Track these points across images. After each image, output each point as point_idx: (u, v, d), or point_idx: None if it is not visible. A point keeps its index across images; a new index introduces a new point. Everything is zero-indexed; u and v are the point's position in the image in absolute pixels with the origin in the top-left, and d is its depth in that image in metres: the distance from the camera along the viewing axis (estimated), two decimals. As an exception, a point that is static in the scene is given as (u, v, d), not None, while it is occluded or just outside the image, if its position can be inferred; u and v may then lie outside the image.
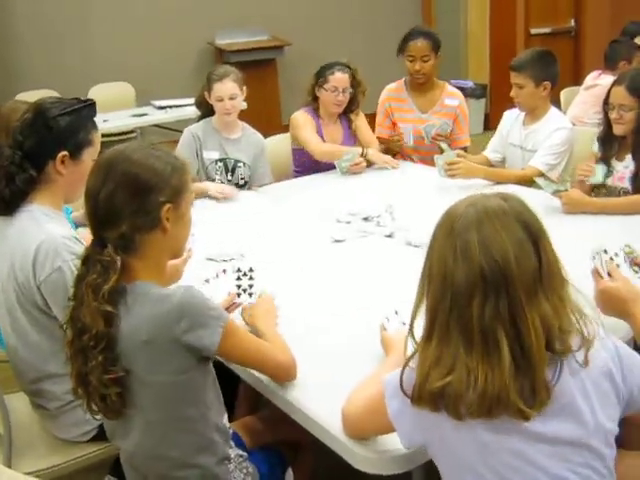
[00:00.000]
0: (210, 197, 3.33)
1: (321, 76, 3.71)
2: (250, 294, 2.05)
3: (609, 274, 1.79)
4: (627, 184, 2.93)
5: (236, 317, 1.95)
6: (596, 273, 1.80)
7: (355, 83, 3.74)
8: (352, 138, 3.88)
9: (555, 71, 3.35)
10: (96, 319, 1.49)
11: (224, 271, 2.10)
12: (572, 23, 7.68)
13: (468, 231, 1.26)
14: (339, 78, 3.68)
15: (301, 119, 3.79)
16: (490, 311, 1.23)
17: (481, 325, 1.24)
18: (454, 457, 1.31)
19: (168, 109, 6.08)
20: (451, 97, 3.98)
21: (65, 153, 2.01)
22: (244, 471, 1.74)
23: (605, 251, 1.87)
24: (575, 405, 1.28)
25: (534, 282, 1.25)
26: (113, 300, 1.51)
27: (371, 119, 4.06)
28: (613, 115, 2.90)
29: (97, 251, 1.53)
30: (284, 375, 1.73)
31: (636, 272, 1.91)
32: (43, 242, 1.91)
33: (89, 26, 6.68)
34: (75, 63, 6.59)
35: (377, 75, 5.13)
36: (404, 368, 1.32)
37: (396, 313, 1.85)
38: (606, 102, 2.96)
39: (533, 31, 7.52)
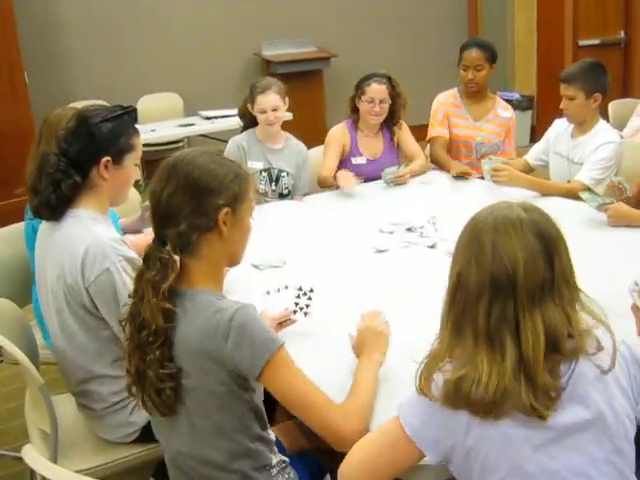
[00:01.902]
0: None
1: (359, 88, 3.74)
2: (305, 313, 2.10)
3: None
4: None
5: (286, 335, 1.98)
6: (635, 308, 1.77)
7: (395, 94, 3.75)
8: (393, 150, 3.90)
9: (606, 82, 3.31)
10: (156, 315, 1.53)
11: (286, 287, 2.13)
12: (621, 34, 7.56)
13: (484, 237, 1.35)
14: (375, 89, 3.69)
15: (331, 136, 3.83)
16: (497, 313, 1.32)
17: (488, 326, 1.32)
18: (478, 456, 1.33)
19: (214, 119, 6.17)
20: (504, 109, 4.04)
21: (108, 158, 2.06)
22: (286, 476, 1.75)
23: (637, 283, 1.83)
24: (591, 394, 1.33)
25: (542, 289, 1.32)
26: (172, 300, 1.56)
27: (416, 131, 4.06)
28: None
29: (157, 249, 1.58)
30: (337, 443, 1.55)
31: None
32: (91, 245, 1.96)
33: (138, 38, 6.82)
34: (126, 75, 6.73)
35: (422, 86, 5.14)
36: (427, 370, 1.37)
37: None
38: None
39: (581, 43, 7.42)
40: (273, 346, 1.53)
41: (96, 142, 2.05)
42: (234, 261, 1.73)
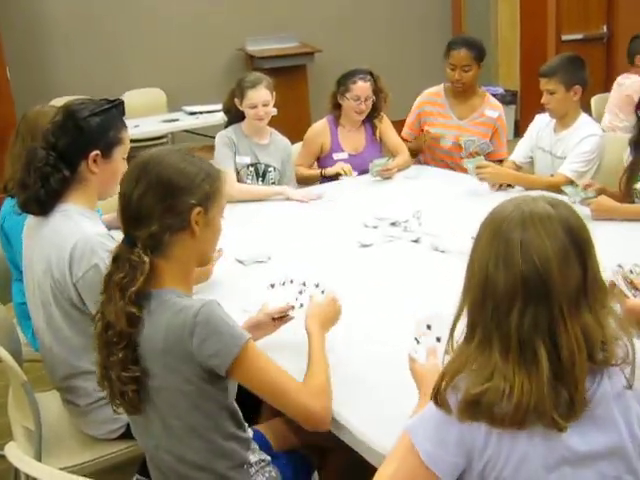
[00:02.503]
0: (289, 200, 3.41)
1: (343, 84, 3.73)
2: (302, 304, 2.00)
3: (635, 288, 1.78)
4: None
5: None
6: (620, 293, 1.77)
7: (377, 90, 3.75)
8: (376, 144, 3.91)
9: (585, 75, 3.33)
10: (120, 318, 1.52)
11: (291, 281, 2.07)
12: (604, 29, 7.61)
13: (511, 234, 1.22)
14: (361, 87, 3.69)
15: (309, 134, 3.87)
16: (529, 321, 1.20)
17: (519, 335, 1.20)
18: (493, 471, 1.25)
19: (199, 115, 6.15)
20: (492, 109, 3.96)
21: (97, 152, 2.06)
22: (266, 475, 1.74)
23: (620, 265, 1.85)
24: (611, 416, 1.25)
25: (577, 292, 1.21)
26: (138, 303, 1.53)
27: (398, 126, 4.06)
28: (643, 120, 2.89)
29: (127, 250, 1.56)
30: (310, 423, 1.61)
31: None
32: (79, 240, 1.96)
33: (121, 34, 6.78)
34: (108, 70, 6.69)
35: (406, 81, 5.15)
36: (442, 383, 1.26)
37: (429, 328, 1.64)
38: (638, 107, 2.94)
39: (564, 37, 7.47)
40: (240, 341, 1.52)
41: (85, 136, 2.05)
42: (203, 261, 1.73)
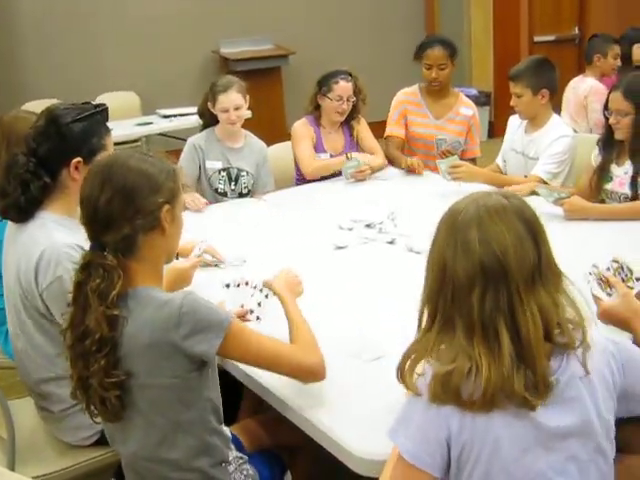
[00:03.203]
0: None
1: (324, 85, 3.73)
2: (258, 317, 2.05)
3: (610, 286, 1.80)
4: (627, 190, 2.94)
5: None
6: (593, 296, 1.81)
7: (356, 91, 3.76)
8: (354, 146, 3.90)
9: (553, 78, 3.36)
10: (101, 323, 1.51)
11: (247, 283, 2.09)
12: (576, 31, 7.70)
13: (469, 227, 1.31)
14: (344, 87, 3.70)
15: (299, 131, 3.82)
16: (490, 303, 1.28)
17: (482, 316, 1.28)
18: (470, 457, 1.29)
19: (173, 118, 6.12)
20: (466, 107, 4.01)
21: (79, 159, 2.02)
22: (244, 473, 1.76)
23: (594, 265, 1.87)
24: (580, 397, 1.32)
25: (532, 275, 1.30)
26: (118, 304, 1.54)
27: (375, 127, 4.07)
28: (611, 120, 2.91)
29: (97, 255, 1.56)
30: (309, 377, 1.70)
31: (631, 288, 1.90)
32: (45, 250, 1.93)
33: (94, 36, 6.73)
34: (81, 73, 6.64)
35: (381, 82, 5.16)
36: (405, 363, 1.35)
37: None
38: (606, 107, 2.97)
39: (537, 39, 7.54)
40: (224, 324, 1.57)
41: (67, 143, 2.01)
42: (171, 257, 1.76)
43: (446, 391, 1.27)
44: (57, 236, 1.97)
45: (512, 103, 3.36)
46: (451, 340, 1.31)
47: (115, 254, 1.56)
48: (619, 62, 4.94)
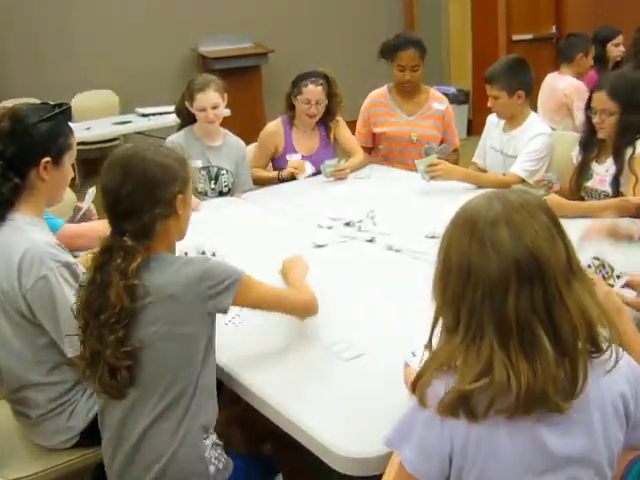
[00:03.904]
0: None
1: (295, 86, 3.71)
2: (236, 324, 2.10)
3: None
4: (608, 187, 2.96)
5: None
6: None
7: (331, 94, 3.73)
8: (329, 146, 3.89)
9: (528, 78, 3.38)
10: (122, 296, 1.64)
11: (185, 254, 2.15)
12: (553, 30, 7.75)
13: (496, 225, 1.24)
14: (312, 91, 3.66)
15: (262, 137, 3.85)
16: (526, 302, 1.21)
17: (518, 317, 1.20)
18: (472, 470, 1.25)
19: (151, 117, 6.09)
20: (438, 102, 4.02)
21: (48, 159, 2.01)
22: (217, 453, 1.78)
23: (597, 258, 1.88)
24: (591, 422, 1.26)
25: (566, 268, 1.24)
26: (138, 273, 1.66)
27: (353, 126, 4.07)
28: (595, 119, 2.92)
29: (118, 240, 1.69)
30: (308, 311, 2.00)
31: (612, 285, 1.91)
32: (27, 251, 1.91)
33: (71, 34, 6.67)
34: (58, 72, 6.57)
35: (361, 80, 5.15)
36: (423, 376, 1.27)
37: (413, 355, 1.66)
38: (588, 107, 2.99)
39: (515, 37, 7.59)
40: (239, 278, 1.75)
41: (36, 143, 1.99)
42: (183, 235, 1.88)
43: (464, 406, 1.21)
44: (36, 236, 1.95)
45: (489, 104, 3.39)
46: (479, 348, 1.22)
47: (134, 238, 1.69)
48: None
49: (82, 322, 1.71)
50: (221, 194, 3.57)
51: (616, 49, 5.20)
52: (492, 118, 3.58)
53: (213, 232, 2.96)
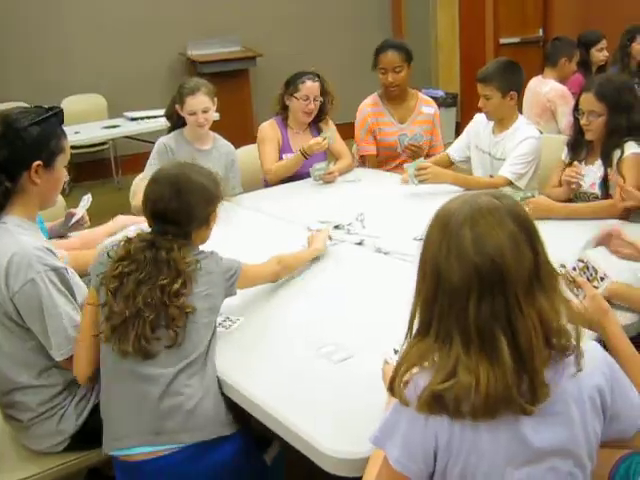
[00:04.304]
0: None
1: (292, 85, 3.74)
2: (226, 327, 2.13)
3: (577, 286, 1.80)
4: (597, 190, 2.97)
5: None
6: (579, 283, 1.81)
7: (324, 92, 3.78)
8: (322, 147, 3.90)
9: (520, 80, 3.41)
10: (179, 261, 1.89)
11: None
12: (540, 33, 7.80)
13: (461, 228, 1.24)
14: (310, 86, 3.71)
15: (263, 133, 3.83)
16: (486, 309, 1.21)
17: (478, 324, 1.22)
18: (455, 466, 1.27)
19: (140, 120, 6.08)
20: (427, 105, 4.07)
21: (39, 163, 2.01)
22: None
23: (562, 265, 1.88)
24: (569, 414, 1.28)
25: (530, 278, 1.24)
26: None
27: (344, 128, 4.09)
28: (583, 121, 2.94)
29: (160, 236, 1.93)
30: (274, 278, 2.36)
31: (596, 287, 1.92)
32: (15, 254, 1.91)
33: (60, 38, 6.66)
34: (47, 75, 6.56)
35: (348, 85, 5.17)
36: (397, 375, 1.28)
37: (395, 352, 1.67)
38: (576, 108, 3.01)
39: (502, 41, 7.63)
40: (239, 268, 2.07)
41: (27, 147, 1.99)
42: (206, 240, 2.09)
43: (440, 405, 1.23)
44: (24, 240, 1.96)
45: (480, 104, 3.39)
46: (448, 350, 1.24)
47: (174, 239, 1.93)
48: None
49: (113, 286, 1.86)
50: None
51: (599, 54, 5.23)
52: (480, 118, 3.57)
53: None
